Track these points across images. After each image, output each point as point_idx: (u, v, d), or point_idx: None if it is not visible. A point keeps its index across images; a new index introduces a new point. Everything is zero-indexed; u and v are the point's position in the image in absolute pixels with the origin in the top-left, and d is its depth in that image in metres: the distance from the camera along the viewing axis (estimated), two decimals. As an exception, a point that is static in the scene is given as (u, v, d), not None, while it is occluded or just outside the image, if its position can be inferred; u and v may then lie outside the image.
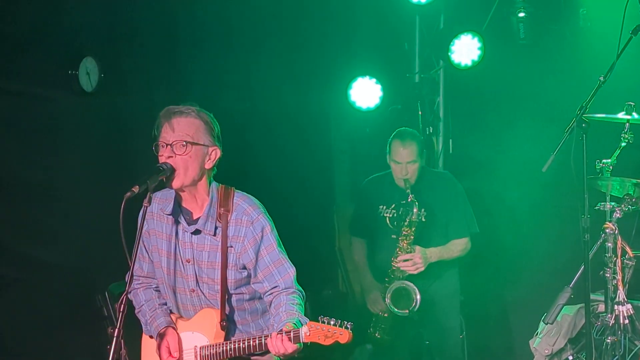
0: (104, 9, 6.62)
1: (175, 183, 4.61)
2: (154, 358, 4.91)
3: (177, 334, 4.87)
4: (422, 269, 6.79)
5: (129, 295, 4.96)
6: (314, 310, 8.02)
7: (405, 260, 6.78)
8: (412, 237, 6.77)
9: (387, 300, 6.83)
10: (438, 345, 7.11)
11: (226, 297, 4.78)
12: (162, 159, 4.61)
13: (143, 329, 5.00)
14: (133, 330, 4.95)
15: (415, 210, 6.72)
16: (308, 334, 4.40)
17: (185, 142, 4.60)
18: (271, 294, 4.78)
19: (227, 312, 4.81)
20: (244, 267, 4.78)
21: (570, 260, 6.05)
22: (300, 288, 4.83)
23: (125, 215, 4.37)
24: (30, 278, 6.09)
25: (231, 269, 4.76)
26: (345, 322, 4.39)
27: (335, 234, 8.84)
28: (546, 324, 5.85)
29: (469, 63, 7.83)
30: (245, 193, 4.87)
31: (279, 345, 4.46)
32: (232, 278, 4.77)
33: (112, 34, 6.71)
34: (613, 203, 5.79)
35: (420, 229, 6.83)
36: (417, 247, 6.78)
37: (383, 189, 7.14)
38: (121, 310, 4.33)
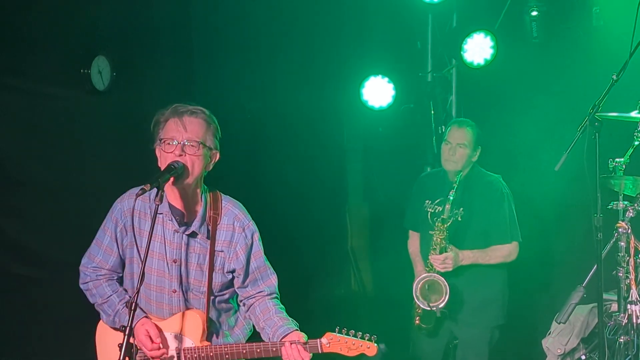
0: (116, 7, 6.64)
1: (184, 184, 4.62)
2: (112, 348, 4.79)
3: (153, 323, 4.77)
4: (450, 269, 6.75)
5: (84, 285, 4.96)
6: (327, 309, 8.04)
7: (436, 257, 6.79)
8: (445, 233, 6.74)
9: (415, 288, 6.81)
10: (464, 348, 7.07)
11: (211, 299, 4.80)
12: (170, 157, 4.59)
13: (105, 319, 4.90)
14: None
15: (447, 206, 6.70)
16: (328, 345, 4.44)
17: (197, 142, 4.61)
18: (254, 297, 4.85)
19: (210, 314, 4.83)
20: (231, 272, 4.81)
21: (583, 260, 6.03)
22: (279, 292, 4.93)
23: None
24: (44, 276, 6.13)
25: (217, 272, 4.79)
26: (369, 335, 4.39)
27: (348, 233, 8.84)
28: (559, 323, 5.83)
29: (482, 62, 7.81)
30: (229, 197, 4.89)
31: (296, 355, 4.53)
32: (218, 281, 4.80)
33: (125, 33, 6.73)
34: (626, 202, 5.76)
35: (455, 228, 6.80)
36: (453, 248, 6.77)
37: (432, 184, 7.12)
38: (132, 308, 4.34)
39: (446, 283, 6.72)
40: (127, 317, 4.74)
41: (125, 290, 4.94)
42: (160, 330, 4.78)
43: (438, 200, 6.92)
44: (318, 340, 4.45)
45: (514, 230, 6.88)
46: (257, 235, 4.85)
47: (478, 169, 7.05)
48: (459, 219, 6.75)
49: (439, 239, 6.76)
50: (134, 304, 4.33)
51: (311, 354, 4.52)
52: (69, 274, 6.13)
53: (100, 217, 6.08)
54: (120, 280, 4.96)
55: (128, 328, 4.31)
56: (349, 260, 8.73)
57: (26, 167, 6.05)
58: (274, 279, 4.90)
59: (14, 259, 6.02)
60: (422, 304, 6.77)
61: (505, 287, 7.05)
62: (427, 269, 6.85)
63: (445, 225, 6.72)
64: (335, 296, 8.50)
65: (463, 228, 6.80)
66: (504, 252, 6.86)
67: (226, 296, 4.90)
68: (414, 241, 7.28)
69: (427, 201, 6.99)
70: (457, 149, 6.88)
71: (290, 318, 4.75)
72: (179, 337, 4.78)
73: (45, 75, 6.13)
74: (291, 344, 4.52)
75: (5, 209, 5.96)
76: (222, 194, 4.87)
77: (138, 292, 4.37)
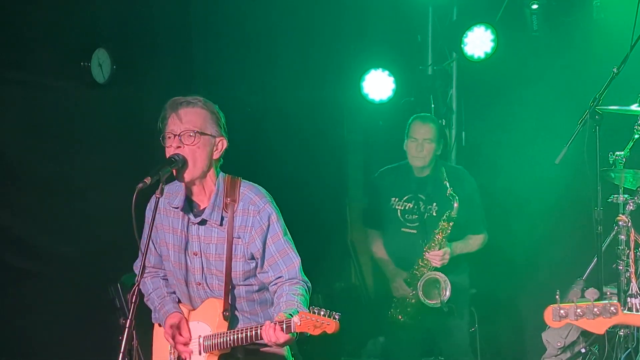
0: (116, 0, 6.63)
1: (187, 176, 4.60)
2: (164, 345, 4.93)
3: (186, 319, 4.86)
4: (446, 263, 6.83)
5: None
6: (327, 302, 8.04)
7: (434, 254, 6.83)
8: (448, 231, 6.78)
9: (419, 291, 6.84)
10: (446, 338, 7.10)
11: (230, 287, 4.76)
12: (170, 150, 4.59)
13: (152, 316, 5.01)
14: (144, 320, 4.97)
15: (455, 205, 6.72)
16: (299, 324, 4.35)
17: (193, 132, 4.59)
18: (275, 284, 4.76)
19: (235, 302, 4.80)
20: (252, 258, 4.75)
21: (583, 253, 6.05)
22: (306, 279, 4.80)
23: (136, 207, 4.38)
24: (44, 270, 6.12)
25: (239, 260, 4.74)
26: (334, 313, 4.34)
27: (348, 226, 8.84)
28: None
29: (482, 55, 7.80)
30: (251, 183, 4.84)
31: (271, 334, 4.44)
32: (240, 269, 4.75)
33: (125, 26, 6.72)
34: (626, 195, 5.77)
35: (431, 223, 6.85)
36: (446, 242, 6.84)
37: (396, 180, 7.15)
38: (133, 301, 4.34)
39: (445, 277, 6.77)
40: (161, 311, 4.91)
41: (169, 285, 5.00)
42: (187, 322, 4.86)
43: (407, 197, 6.99)
44: (292, 319, 4.40)
45: (484, 220, 6.98)
46: (274, 218, 4.74)
47: (442, 162, 7.16)
48: (434, 213, 6.88)
49: (441, 237, 6.79)
50: (135, 296, 4.33)
51: (290, 335, 4.41)
52: (66, 267, 6.16)
53: (99, 210, 6.09)
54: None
55: (129, 320, 4.31)
56: (349, 253, 8.72)
57: (25, 159, 6.04)
58: (296, 263, 4.77)
59: (12, 252, 6.02)
60: (432, 305, 6.81)
61: (468, 274, 7.17)
62: (416, 267, 6.88)
63: (451, 224, 6.75)
64: (335, 289, 8.50)
65: (439, 221, 6.84)
66: (479, 241, 7.03)
67: (255, 287, 4.82)
68: (378, 242, 7.29)
69: (393, 199, 7.04)
70: (424, 144, 6.96)
71: (299, 303, 4.60)
72: (202, 326, 4.80)
73: (45, 68, 6.12)
74: (270, 324, 4.46)
75: (3, 201, 5.95)
76: (243, 180, 4.81)
77: (138, 284, 4.36)
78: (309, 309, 4.39)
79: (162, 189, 4.49)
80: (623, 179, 5.78)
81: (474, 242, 7.00)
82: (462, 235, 6.97)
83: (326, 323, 4.33)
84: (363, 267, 8.72)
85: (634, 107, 5.72)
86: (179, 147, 4.58)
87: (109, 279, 6.21)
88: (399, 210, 7.01)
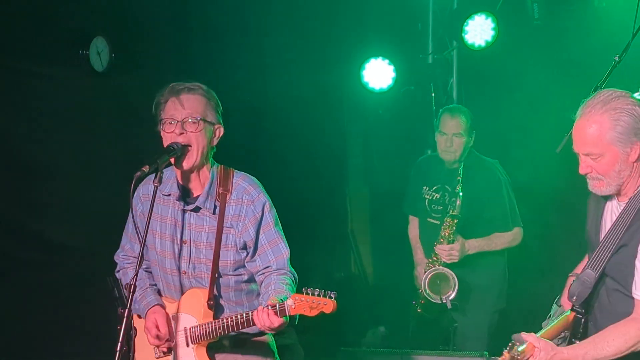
0: (114, -12, 6.61)
1: (187, 163, 4.59)
2: (143, 337, 4.86)
3: (166, 312, 4.81)
4: (456, 260, 6.78)
5: (117, 274, 5.01)
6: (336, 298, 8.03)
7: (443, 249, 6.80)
8: (454, 228, 6.74)
9: (425, 284, 6.81)
10: (463, 332, 7.06)
11: (216, 276, 4.74)
12: (171, 137, 4.57)
13: (132, 306, 4.91)
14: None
15: (458, 202, 6.67)
16: (293, 306, 4.33)
17: (196, 118, 4.57)
18: (263, 273, 4.75)
19: (222, 292, 4.78)
20: (244, 247, 4.74)
21: (584, 243, 6.00)
22: (293, 270, 4.79)
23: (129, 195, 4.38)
24: (41, 260, 6.11)
25: (231, 249, 4.72)
26: (329, 292, 4.31)
27: (348, 216, 8.83)
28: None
29: (483, 44, 7.79)
30: (244, 173, 4.83)
31: (265, 319, 4.41)
32: (232, 259, 4.73)
33: (123, 14, 6.69)
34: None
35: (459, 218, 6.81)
36: (459, 239, 6.77)
37: (429, 168, 7.12)
38: (131, 291, 4.32)
39: (454, 274, 6.72)
40: (141, 303, 4.85)
41: (151, 277, 4.97)
42: (168, 317, 4.80)
43: (435, 187, 6.95)
44: (285, 302, 4.38)
45: (514, 216, 6.88)
46: (267, 207, 4.73)
47: (475, 154, 7.06)
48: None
49: (447, 233, 6.75)
50: (133, 286, 4.32)
51: (284, 319, 4.40)
52: (64, 257, 6.14)
53: (98, 198, 6.08)
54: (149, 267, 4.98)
55: (127, 310, 4.30)
56: (349, 243, 8.71)
57: (24, 149, 6.02)
58: (285, 254, 4.76)
59: (9, 242, 6.00)
60: (433, 299, 6.78)
61: (505, 271, 7.05)
62: (431, 260, 6.86)
63: (455, 221, 6.71)
64: (335, 279, 8.49)
65: (463, 217, 6.79)
66: (507, 239, 6.87)
67: (244, 277, 4.80)
68: (413, 226, 7.27)
69: (424, 187, 7.02)
70: (453, 139, 6.89)
71: (287, 292, 4.57)
72: (186, 317, 4.76)
73: (43, 57, 6.09)
74: (262, 308, 4.44)
75: (3, 191, 5.94)
76: (236, 170, 4.80)
77: (137, 274, 4.36)
78: (301, 290, 4.37)
79: (161, 177, 4.47)
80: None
81: (499, 240, 6.88)
82: (487, 232, 6.89)
83: (323, 303, 4.30)
84: (363, 257, 8.72)
85: (636, 95, 5.68)
86: (182, 133, 4.57)
87: (107, 269, 6.19)
88: (427, 200, 6.99)
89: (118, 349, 4.26)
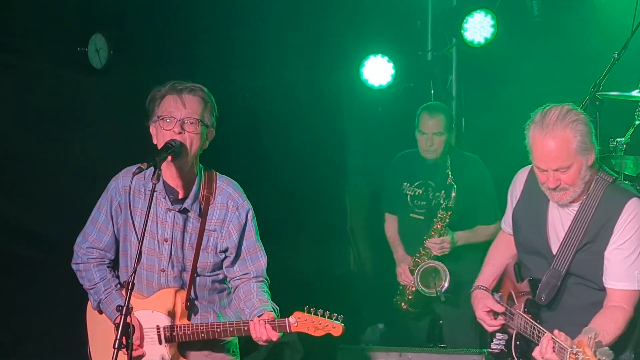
0: (113, -15, 6.60)
1: (182, 161, 4.59)
2: (105, 334, 4.81)
3: (135, 317, 4.73)
4: (447, 252, 6.83)
5: (75, 266, 4.94)
6: (326, 289, 8.03)
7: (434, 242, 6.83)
8: (447, 220, 6.78)
9: (417, 279, 6.83)
10: (450, 326, 7.07)
11: (195, 277, 4.76)
12: (169, 134, 4.56)
13: (92, 304, 4.90)
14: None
15: (453, 194, 6.70)
16: (295, 324, 4.39)
17: (196, 120, 4.58)
18: (240, 279, 4.80)
19: (196, 292, 4.80)
20: (224, 251, 4.77)
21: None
22: (267, 277, 4.85)
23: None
24: (40, 256, 6.11)
25: (210, 252, 4.76)
26: (338, 316, 4.36)
27: (347, 213, 8.82)
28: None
29: (482, 41, 7.79)
30: (226, 177, 4.85)
31: (263, 332, 4.48)
32: (211, 261, 4.77)
33: (122, 11, 6.68)
34: (627, 182, 5.73)
35: (437, 210, 6.84)
36: (448, 231, 6.83)
37: (410, 166, 7.14)
38: (130, 288, 4.31)
39: (444, 266, 6.75)
40: (110, 307, 4.79)
41: (116, 275, 4.92)
42: (140, 315, 4.76)
43: (417, 183, 6.98)
44: (286, 319, 4.40)
45: (497, 210, 6.92)
46: (251, 215, 4.79)
47: (455, 150, 7.12)
48: (441, 201, 6.89)
49: (440, 226, 6.78)
50: (130, 283, 4.31)
51: (280, 334, 4.46)
52: (61, 252, 6.13)
53: (97, 195, 6.06)
54: (114, 264, 4.93)
55: (125, 308, 4.29)
56: (348, 240, 8.71)
57: (21, 146, 6.02)
58: (263, 262, 4.83)
59: (11, 238, 6.00)
60: (428, 293, 6.80)
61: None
62: (418, 254, 6.88)
63: (449, 213, 6.74)
64: (335, 277, 8.48)
65: (453, 211, 6.82)
66: (491, 231, 6.88)
67: (220, 276, 4.86)
68: (391, 224, 7.31)
69: (405, 184, 7.04)
70: (434, 138, 6.93)
71: (271, 301, 4.69)
72: (159, 315, 4.74)
73: (41, 53, 6.10)
74: (259, 321, 4.47)
75: (1, 187, 5.94)
76: (218, 174, 4.83)
77: (135, 272, 4.35)
78: (304, 309, 4.40)
79: (159, 175, 4.45)
80: (623, 165, 5.74)
81: (482, 232, 6.90)
82: (471, 225, 6.95)
83: (331, 326, 4.41)
84: (362, 254, 8.71)
85: (634, 93, 5.69)
86: (180, 133, 4.57)
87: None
88: (409, 196, 7.02)
89: (116, 346, 4.25)
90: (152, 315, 4.76)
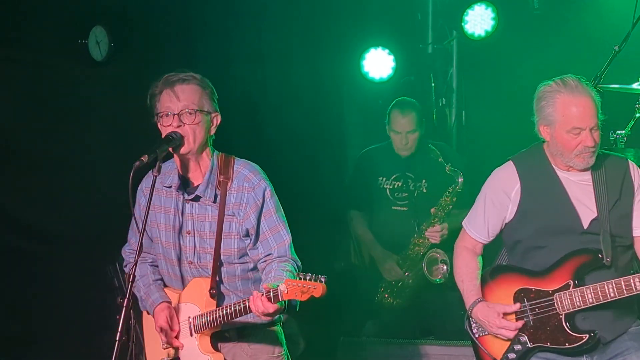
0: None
1: (184, 149, 4.57)
2: (154, 333, 4.86)
3: (173, 308, 4.79)
4: (446, 237, 6.88)
5: (126, 269, 5.00)
6: (327, 282, 8.02)
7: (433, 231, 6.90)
8: (451, 207, 6.80)
9: (425, 271, 6.92)
10: (438, 318, 7.09)
11: (218, 264, 4.72)
12: (169, 129, 4.56)
13: (139, 304, 4.93)
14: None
15: (460, 179, 6.74)
16: (286, 291, 4.31)
17: (193, 110, 4.56)
18: (264, 261, 4.71)
19: (228, 282, 4.76)
20: (247, 235, 4.72)
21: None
22: (296, 257, 4.77)
23: (133, 186, 4.37)
24: (42, 250, 6.11)
25: (234, 237, 4.70)
26: (319, 276, 4.29)
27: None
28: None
29: (483, 33, 7.80)
30: (245, 160, 4.80)
31: (259, 305, 4.40)
32: (236, 247, 4.71)
33: (123, 3, 6.68)
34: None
35: (422, 200, 6.92)
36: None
37: (382, 160, 7.17)
38: (131, 280, 4.32)
39: (442, 252, 6.80)
40: (147, 302, 4.85)
41: (158, 272, 4.94)
42: (175, 310, 4.80)
43: (395, 176, 7.02)
44: (278, 287, 4.34)
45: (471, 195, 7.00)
46: (269, 194, 4.70)
47: (425, 140, 7.17)
48: (424, 190, 6.94)
49: (442, 213, 6.81)
50: (132, 275, 4.32)
51: (278, 304, 4.37)
52: (65, 246, 6.13)
53: (98, 189, 6.06)
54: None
55: (126, 300, 4.30)
56: (348, 233, 8.70)
57: (22, 139, 6.02)
58: (287, 241, 4.72)
59: (12, 232, 6.00)
60: (437, 280, 6.86)
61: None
62: (412, 247, 6.92)
63: (454, 199, 6.77)
64: (336, 269, 8.48)
65: (429, 198, 6.94)
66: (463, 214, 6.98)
67: (250, 265, 4.78)
68: (359, 222, 7.36)
69: (380, 178, 7.07)
70: (408, 136, 7.01)
71: (287, 278, 4.49)
72: (190, 307, 4.76)
73: (41, 46, 6.09)
74: (257, 294, 4.42)
75: (2, 181, 5.94)
76: (237, 158, 4.78)
77: (136, 264, 4.36)
78: (298, 276, 4.35)
79: (160, 167, 4.47)
80: (624, 158, 5.75)
81: (458, 217, 6.95)
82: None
83: (312, 287, 4.27)
84: (362, 247, 8.70)
85: (635, 85, 5.70)
86: (179, 126, 4.56)
87: (107, 259, 6.19)
88: (387, 189, 7.04)
89: (118, 338, 4.25)
90: (185, 307, 4.78)
